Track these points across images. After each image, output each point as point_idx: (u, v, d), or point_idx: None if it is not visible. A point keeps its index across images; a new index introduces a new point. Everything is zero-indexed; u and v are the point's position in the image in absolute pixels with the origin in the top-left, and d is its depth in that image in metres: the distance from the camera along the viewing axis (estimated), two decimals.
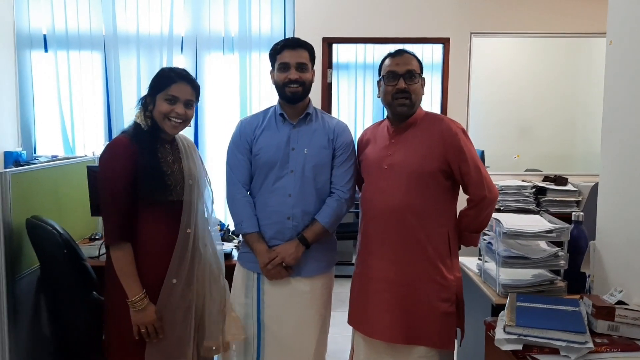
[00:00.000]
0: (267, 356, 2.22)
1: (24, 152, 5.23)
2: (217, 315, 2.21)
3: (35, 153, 5.43)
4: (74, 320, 2.36)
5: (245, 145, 2.23)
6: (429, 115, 2.21)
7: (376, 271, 2.13)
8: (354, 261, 2.33)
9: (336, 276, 2.43)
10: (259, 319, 2.22)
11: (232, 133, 2.31)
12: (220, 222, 3.61)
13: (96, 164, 3.15)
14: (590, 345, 1.59)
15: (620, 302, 1.77)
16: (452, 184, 2.15)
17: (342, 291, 2.70)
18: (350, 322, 2.25)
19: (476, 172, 2.08)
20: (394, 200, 2.09)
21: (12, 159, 5.07)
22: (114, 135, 5.31)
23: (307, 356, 2.24)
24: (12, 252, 2.44)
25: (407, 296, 2.07)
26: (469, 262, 2.61)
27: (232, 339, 2.26)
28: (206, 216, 2.22)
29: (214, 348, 2.20)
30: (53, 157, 5.15)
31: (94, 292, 2.29)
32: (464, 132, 2.15)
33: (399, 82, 2.10)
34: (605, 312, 1.72)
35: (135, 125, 2.09)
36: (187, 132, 2.28)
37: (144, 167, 2.01)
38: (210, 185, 2.28)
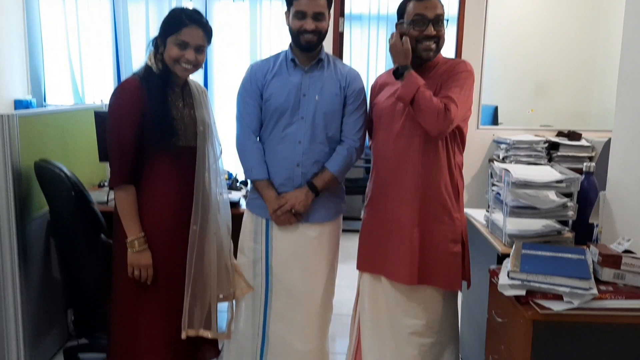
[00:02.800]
0: (274, 301, 2.24)
1: (34, 100, 5.23)
2: (227, 264, 2.23)
3: (45, 102, 5.43)
4: (83, 262, 2.40)
5: (256, 91, 2.19)
6: (448, 61, 2.16)
7: (389, 214, 2.13)
8: (362, 216, 2.32)
9: (344, 230, 2.43)
10: (267, 265, 2.24)
11: (242, 78, 2.27)
12: (227, 172, 3.61)
13: (104, 110, 3.14)
14: (594, 291, 1.59)
15: (627, 252, 1.76)
16: (458, 128, 2.12)
17: (349, 245, 2.71)
18: (359, 266, 2.25)
19: (458, 97, 2.01)
20: (407, 143, 2.07)
21: (22, 107, 5.08)
22: None
23: (315, 302, 2.27)
24: (21, 195, 2.47)
25: (419, 237, 2.07)
26: (476, 213, 2.59)
27: (240, 293, 2.29)
28: (215, 164, 2.22)
29: (220, 296, 2.23)
30: (18, 102, 5.14)
31: (103, 235, 2.31)
32: (470, 72, 2.09)
33: (428, 27, 2.05)
34: (612, 260, 1.71)
35: (146, 67, 2.05)
36: (196, 79, 2.25)
37: (152, 110, 2.00)
38: (218, 135, 2.26)
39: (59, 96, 5.34)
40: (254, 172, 2.22)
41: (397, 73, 2.03)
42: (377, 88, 2.27)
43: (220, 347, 2.36)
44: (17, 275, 2.45)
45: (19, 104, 5.09)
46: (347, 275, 2.67)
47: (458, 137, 2.14)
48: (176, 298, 2.09)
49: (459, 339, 2.29)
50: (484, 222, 2.46)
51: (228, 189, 2.78)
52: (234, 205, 2.84)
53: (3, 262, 2.43)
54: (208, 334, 2.13)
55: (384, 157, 2.18)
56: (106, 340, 2.69)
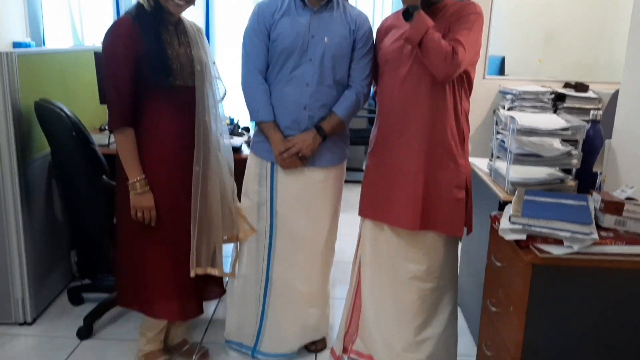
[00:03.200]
0: (278, 244, 2.26)
1: (33, 42, 5.14)
2: (230, 206, 2.23)
3: (44, 45, 5.34)
4: (85, 204, 2.40)
5: (263, 30, 2.13)
6: (457, 3, 2.09)
7: (393, 159, 2.11)
8: (363, 167, 2.31)
9: (345, 181, 2.42)
10: (271, 208, 2.24)
11: (249, 17, 2.21)
12: (229, 117, 3.58)
13: None
14: (595, 236, 1.59)
15: (629, 199, 1.75)
16: (466, 72, 2.08)
17: (350, 195, 2.71)
18: (361, 212, 2.25)
19: (466, 40, 1.96)
20: (414, 87, 2.04)
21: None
22: None
23: (318, 245, 2.29)
24: (22, 135, 2.46)
25: (423, 183, 2.06)
26: (479, 162, 2.58)
27: (243, 235, 2.31)
28: (215, 107, 2.18)
29: (225, 237, 2.25)
30: (17, 44, 5.05)
31: (105, 177, 2.31)
32: (479, 14, 2.03)
33: None
34: (614, 206, 1.70)
35: (138, 5, 2.00)
36: (197, 20, 2.19)
37: (146, 49, 1.95)
38: (221, 79, 2.22)
39: (58, 39, 5.25)
40: (260, 113, 2.19)
41: (407, 13, 1.97)
42: (383, 31, 2.21)
43: (224, 287, 2.40)
44: (19, 214, 2.47)
45: (17, 47, 5.00)
46: (348, 224, 2.69)
47: (465, 82, 2.10)
48: (181, 238, 2.10)
49: (457, 286, 2.31)
50: (487, 171, 2.45)
51: (230, 134, 2.76)
52: (236, 150, 2.82)
53: (5, 201, 2.44)
54: (215, 272, 2.15)
55: (389, 102, 2.14)
56: (109, 281, 2.76)
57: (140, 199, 2.02)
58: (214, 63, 2.20)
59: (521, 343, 1.66)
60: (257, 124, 2.26)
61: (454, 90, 2.08)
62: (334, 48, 2.12)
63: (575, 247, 1.58)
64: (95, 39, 5.15)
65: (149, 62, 1.95)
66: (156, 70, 1.96)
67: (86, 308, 2.68)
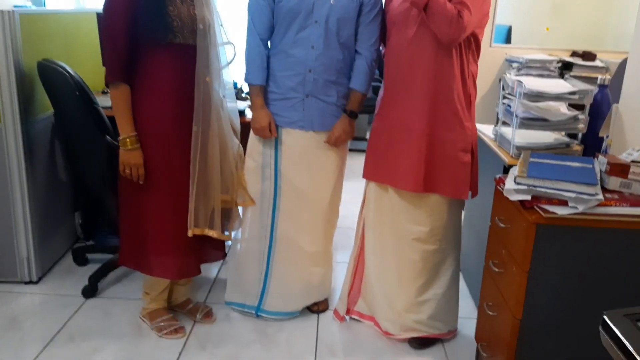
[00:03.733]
0: (283, 202, 2.27)
1: (34, 7, 5.07)
2: (232, 169, 2.23)
3: (44, 6, 5.27)
4: (88, 163, 2.40)
5: None
6: None
7: (399, 121, 2.11)
8: (367, 137, 2.32)
9: (349, 150, 2.42)
10: (276, 168, 2.25)
11: None
12: (233, 81, 3.55)
13: None
14: (600, 197, 1.59)
15: (635, 162, 1.74)
16: (473, 35, 2.05)
17: (353, 163, 2.71)
18: (366, 174, 2.26)
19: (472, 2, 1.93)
20: (420, 49, 2.02)
21: None
22: None
23: (322, 203, 2.30)
24: (25, 95, 2.44)
25: (428, 145, 2.06)
26: (484, 128, 2.57)
27: (242, 204, 2.31)
28: (219, 70, 2.16)
29: (227, 200, 2.25)
30: (16, 6, 4.99)
31: (108, 137, 2.30)
32: None
33: None
34: (620, 168, 1.70)
35: None
36: None
37: (145, 4, 1.93)
38: (232, 43, 2.19)
39: (59, 2, 5.17)
40: (249, 76, 2.21)
41: None
42: None
43: (226, 252, 2.42)
44: (23, 175, 2.47)
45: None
46: (351, 192, 2.69)
47: (473, 45, 2.07)
48: (179, 197, 2.10)
49: (460, 248, 2.33)
50: (492, 136, 2.44)
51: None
52: (240, 114, 2.80)
53: (9, 161, 2.44)
54: (212, 233, 2.16)
55: (396, 64, 2.13)
56: (112, 242, 2.77)
57: (129, 155, 2.01)
58: (221, 26, 2.17)
59: (522, 302, 1.68)
60: (248, 85, 2.25)
61: (461, 52, 2.06)
62: (340, 10, 2.10)
63: (580, 208, 1.59)
64: (96, 2, 5.07)
65: (148, 17, 1.93)
66: (154, 25, 1.94)
67: (90, 268, 2.70)
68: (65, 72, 2.25)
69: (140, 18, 1.92)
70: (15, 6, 5.00)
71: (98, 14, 2.93)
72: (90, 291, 2.52)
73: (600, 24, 5.05)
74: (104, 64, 2.97)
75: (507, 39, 5.30)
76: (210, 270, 2.80)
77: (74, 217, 2.99)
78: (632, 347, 0.79)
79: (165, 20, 1.95)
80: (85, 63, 3.02)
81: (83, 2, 5.17)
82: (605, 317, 0.93)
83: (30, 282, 2.61)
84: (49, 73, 2.35)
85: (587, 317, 1.66)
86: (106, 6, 1.93)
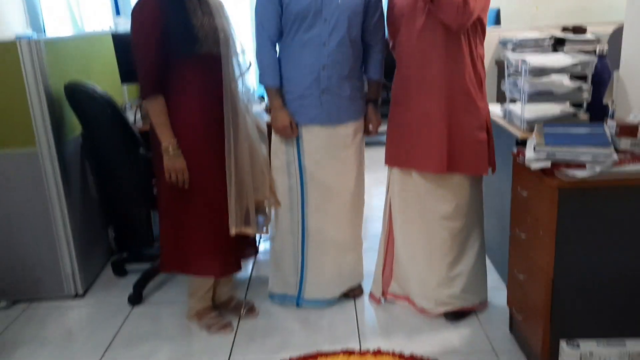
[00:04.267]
0: (310, 196, 2.40)
1: (35, 33, 5.18)
2: (262, 169, 2.36)
3: (44, 34, 5.39)
4: (123, 176, 2.52)
5: None
6: None
7: (417, 109, 2.23)
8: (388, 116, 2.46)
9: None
10: (299, 164, 2.37)
11: None
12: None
13: (122, 32, 3.18)
14: (615, 157, 1.73)
15: None
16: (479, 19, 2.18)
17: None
18: (388, 161, 2.39)
19: None
20: (430, 38, 2.15)
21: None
22: (121, 10, 5.23)
23: (347, 194, 2.43)
24: (55, 118, 2.56)
25: (447, 128, 2.19)
26: (493, 107, 2.69)
27: (270, 205, 2.44)
28: (241, 77, 2.28)
29: (260, 199, 2.38)
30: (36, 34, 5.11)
31: (142, 149, 2.43)
32: None
33: None
34: (629, 130, 1.84)
35: None
36: None
37: (172, 19, 2.06)
38: (245, 53, 2.31)
39: (58, 28, 5.29)
40: (265, 78, 2.33)
41: None
42: None
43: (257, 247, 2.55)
44: (62, 194, 2.60)
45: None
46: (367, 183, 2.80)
47: (479, 29, 2.20)
48: (216, 199, 2.23)
49: (483, 223, 2.46)
50: (500, 114, 2.57)
51: None
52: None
53: (47, 182, 2.56)
54: (249, 230, 2.29)
55: (407, 55, 2.25)
56: (147, 252, 2.90)
57: (173, 161, 2.14)
58: (236, 36, 2.30)
59: (552, 262, 1.81)
60: (265, 88, 2.38)
61: (469, 37, 2.19)
62: (348, 8, 2.22)
63: (598, 169, 1.72)
64: (94, 25, 5.18)
65: (176, 31, 2.06)
66: (183, 38, 2.07)
67: (130, 279, 2.84)
68: (95, 93, 2.37)
69: (168, 33, 2.04)
70: (17, 36, 5.13)
71: (114, 35, 3.05)
72: (136, 299, 2.65)
73: None
74: (122, 82, 3.14)
75: (497, 21, 5.45)
76: (245, 268, 2.92)
77: (107, 232, 3.11)
78: None
79: (192, 32, 2.07)
80: (105, 83, 3.13)
81: (81, 25, 5.30)
82: None
83: (77, 296, 2.73)
84: (78, 94, 2.47)
85: (617, 273, 1.80)
86: (137, 25, 2.06)
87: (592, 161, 1.73)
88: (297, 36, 2.25)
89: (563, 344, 1.83)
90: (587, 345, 1.82)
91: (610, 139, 1.84)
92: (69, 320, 2.56)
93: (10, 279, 2.64)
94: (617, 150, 1.83)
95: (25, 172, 2.54)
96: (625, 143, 1.84)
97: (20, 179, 2.54)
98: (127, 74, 3.04)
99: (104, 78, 3.13)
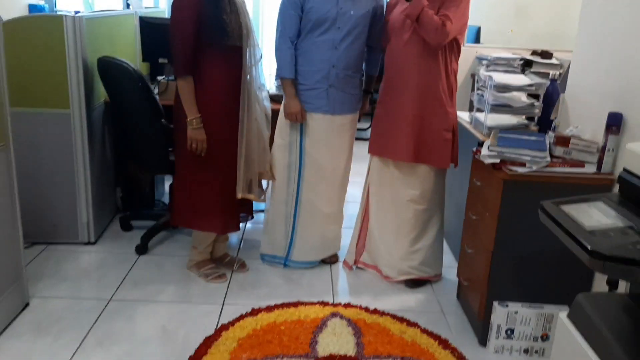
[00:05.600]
0: (306, 173, 2.84)
1: (47, 5, 5.47)
2: (265, 147, 2.79)
3: (55, 7, 5.67)
4: (147, 142, 2.91)
5: (298, 4, 2.65)
6: None
7: (396, 107, 2.69)
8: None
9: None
10: (301, 145, 2.81)
11: None
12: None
13: (150, 15, 3.56)
14: (548, 159, 2.21)
15: (574, 136, 2.37)
16: (455, 40, 2.64)
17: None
18: (371, 151, 2.85)
19: (454, 15, 2.51)
20: (413, 50, 2.60)
21: (37, 11, 5.33)
22: None
23: (337, 174, 2.89)
24: (87, 86, 2.94)
25: (420, 126, 2.66)
26: (461, 114, 3.17)
27: (266, 177, 2.87)
28: (255, 66, 2.70)
29: (261, 172, 2.82)
30: (76, 12, 5.42)
31: (163, 120, 2.82)
32: None
33: None
34: (563, 140, 2.32)
35: None
36: None
37: (208, 14, 2.47)
38: (259, 46, 2.72)
39: (68, 2, 5.58)
40: (283, 71, 2.75)
41: None
42: (392, 5, 2.76)
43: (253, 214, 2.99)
44: (87, 153, 2.98)
45: (33, 9, 5.34)
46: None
47: (455, 48, 2.67)
48: (226, 167, 2.65)
49: (444, 210, 2.94)
50: (468, 120, 3.05)
51: None
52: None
53: (76, 140, 2.94)
54: (252, 197, 2.73)
55: (394, 62, 2.71)
56: (149, 212, 3.32)
57: (196, 133, 2.55)
58: (253, 30, 2.72)
59: (493, 239, 2.28)
60: (280, 79, 2.80)
61: (445, 53, 2.65)
62: (358, 19, 2.67)
63: (534, 167, 2.20)
64: (103, 4, 5.50)
65: (210, 24, 2.47)
66: (215, 31, 2.48)
67: (134, 233, 3.24)
68: (129, 67, 2.76)
69: (204, 25, 2.45)
70: (30, 5, 5.43)
71: (141, 17, 3.43)
72: (142, 249, 3.05)
73: (558, 26, 5.76)
74: (144, 60, 3.52)
75: (477, 38, 5.96)
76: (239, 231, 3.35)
77: (115, 192, 3.50)
78: (556, 216, 1.34)
79: (223, 26, 2.48)
80: (127, 59, 3.52)
81: (92, 3, 5.61)
82: (542, 204, 1.50)
83: (89, 243, 3.12)
84: (112, 68, 2.85)
85: (542, 250, 2.28)
86: (177, 15, 2.45)
87: (531, 161, 2.22)
88: (312, 38, 2.68)
89: (495, 304, 2.32)
90: (514, 306, 2.31)
91: (547, 146, 2.33)
92: (83, 263, 2.95)
93: (31, 223, 2.99)
94: (552, 156, 2.31)
95: (57, 130, 2.91)
96: (559, 150, 2.33)
97: (53, 136, 2.91)
98: (149, 54, 3.42)
99: (126, 53, 3.51)
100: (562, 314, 1.43)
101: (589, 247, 1.10)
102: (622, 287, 1.64)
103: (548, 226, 1.39)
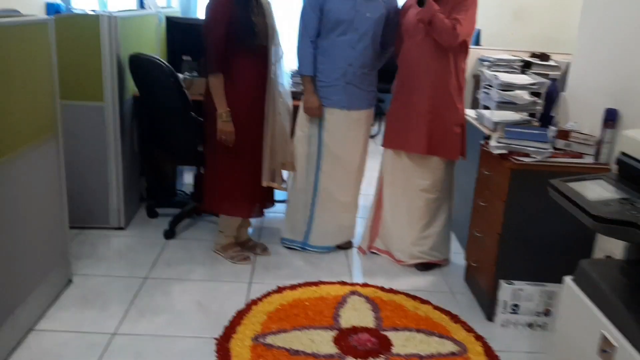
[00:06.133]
0: (324, 164, 3.06)
1: (63, 4, 5.66)
2: (286, 139, 3.01)
3: (70, 5, 5.85)
4: (176, 134, 3.13)
5: (317, 6, 2.87)
6: None
7: (410, 103, 2.92)
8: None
9: None
10: (319, 137, 3.03)
11: None
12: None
13: (177, 16, 3.77)
14: (551, 151, 2.45)
15: (573, 130, 2.61)
16: (464, 41, 2.87)
17: None
18: (385, 144, 3.07)
19: (463, 19, 2.74)
20: (425, 51, 2.84)
21: (53, 10, 5.50)
22: None
23: (353, 165, 3.11)
24: (120, 81, 3.15)
25: (433, 121, 2.88)
26: (468, 112, 3.40)
27: (288, 168, 3.09)
28: (278, 63, 2.92)
29: (283, 163, 3.04)
30: (92, 10, 5.60)
31: (193, 113, 3.04)
32: (474, 1, 2.82)
33: None
34: (564, 134, 2.56)
35: None
36: None
37: (238, 16, 2.69)
38: (280, 45, 2.93)
39: (84, 1, 5.76)
40: (304, 68, 2.97)
41: (420, 2, 2.76)
42: (406, 9, 2.99)
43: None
44: (119, 143, 3.20)
45: (50, 7, 5.52)
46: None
47: (464, 49, 2.91)
48: (253, 158, 2.87)
49: (453, 199, 3.17)
50: (474, 116, 3.29)
51: None
52: None
53: (107, 131, 3.15)
54: (275, 186, 2.95)
55: (407, 62, 2.94)
56: (174, 201, 3.54)
57: (225, 125, 2.77)
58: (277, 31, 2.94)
59: (501, 222, 2.51)
60: (301, 76, 3.03)
61: (455, 54, 2.88)
62: (374, 22, 2.90)
63: (538, 158, 2.44)
64: (118, 5, 5.67)
65: (241, 26, 2.69)
66: (246, 32, 2.70)
67: (160, 220, 3.46)
68: (162, 64, 2.97)
69: (235, 27, 2.67)
70: (47, 3, 5.62)
71: (168, 18, 3.65)
72: (170, 233, 3.26)
73: (555, 31, 6.02)
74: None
75: (477, 41, 6.21)
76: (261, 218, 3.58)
77: (140, 181, 3.71)
78: (564, 191, 1.56)
79: (252, 28, 2.71)
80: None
81: (106, 2, 5.79)
82: (550, 182, 1.72)
83: (119, 228, 3.32)
84: (144, 64, 3.06)
85: (545, 232, 2.51)
86: (211, 18, 2.67)
87: (535, 152, 2.45)
88: (332, 38, 2.90)
89: (502, 282, 2.55)
90: (519, 284, 2.54)
91: (550, 139, 2.57)
92: (117, 245, 3.16)
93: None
94: (554, 148, 2.55)
95: (92, 121, 3.12)
96: (560, 143, 2.57)
97: (88, 127, 3.12)
98: (172, 52, 3.63)
99: (150, 52, 3.71)
100: (567, 279, 1.65)
101: (592, 213, 1.33)
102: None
103: (556, 200, 1.61)
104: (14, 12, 3.26)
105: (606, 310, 1.44)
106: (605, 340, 1.41)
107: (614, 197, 1.41)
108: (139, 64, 3.11)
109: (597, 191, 1.46)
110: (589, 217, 1.33)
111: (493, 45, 5.58)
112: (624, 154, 1.48)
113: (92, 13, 3.18)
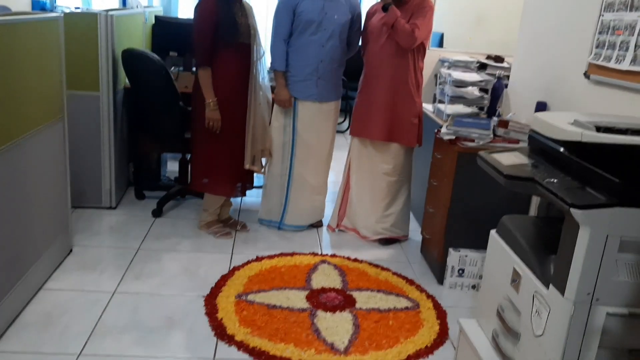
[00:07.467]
0: (297, 151, 3.44)
1: (48, 1, 5.90)
2: (265, 127, 3.38)
3: (55, 3, 6.10)
4: (165, 122, 3.47)
5: (290, 9, 3.25)
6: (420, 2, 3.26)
7: (373, 97, 3.33)
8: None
9: None
10: (293, 127, 3.41)
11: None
12: None
13: (164, 15, 4.10)
14: (491, 136, 2.89)
15: (512, 120, 3.05)
16: (422, 44, 3.29)
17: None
18: (352, 132, 3.48)
19: (422, 24, 3.17)
20: (387, 51, 3.25)
21: (39, 7, 5.75)
22: None
23: (324, 151, 3.50)
24: (113, 74, 3.48)
25: (393, 112, 3.30)
26: (427, 106, 3.84)
27: (266, 155, 3.46)
28: (259, 60, 3.29)
29: (262, 150, 3.41)
30: (76, 8, 5.87)
31: (181, 103, 3.38)
32: (431, 7, 3.25)
33: None
34: (504, 123, 3.00)
35: None
36: None
37: (223, 17, 3.05)
38: (261, 44, 3.30)
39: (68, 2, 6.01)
40: (277, 64, 3.35)
41: (384, 7, 3.18)
42: (371, 14, 3.40)
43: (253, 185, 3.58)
44: (112, 129, 3.53)
45: (35, 4, 5.77)
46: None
47: (422, 50, 3.33)
48: (236, 143, 3.24)
49: (411, 181, 3.59)
50: (431, 110, 3.72)
51: None
52: None
53: (102, 118, 3.48)
54: (255, 169, 3.33)
55: (372, 60, 3.35)
56: (158, 184, 3.87)
57: (213, 113, 3.13)
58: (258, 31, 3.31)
59: (449, 198, 2.94)
60: (273, 71, 3.40)
61: (414, 54, 3.30)
62: (341, 23, 3.29)
63: (481, 142, 2.87)
64: (101, 3, 5.94)
65: (225, 25, 3.05)
66: (230, 31, 3.07)
67: (147, 201, 3.79)
68: (153, 57, 3.31)
69: (221, 25, 3.03)
70: (33, 1, 5.82)
71: (156, 17, 3.98)
72: (158, 212, 3.60)
73: (511, 35, 6.52)
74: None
75: (440, 43, 6.69)
76: (238, 202, 3.93)
77: (128, 166, 4.03)
78: (487, 159, 2.00)
79: (236, 27, 3.07)
80: None
81: (90, 0, 6.06)
82: (478, 154, 2.13)
83: (110, 208, 3.65)
84: (137, 58, 3.40)
85: (486, 206, 2.94)
86: (199, 18, 3.03)
87: (478, 138, 2.89)
88: (303, 37, 3.28)
89: (451, 250, 2.97)
90: (465, 252, 2.97)
91: (491, 127, 3.00)
92: (110, 222, 3.49)
93: None
94: (495, 135, 2.99)
95: (88, 109, 3.44)
96: (500, 131, 3.01)
97: (84, 115, 3.44)
98: (160, 48, 3.97)
99: (139, 47, 4.04)
100: (492, 231, 2.07)
101: (504, 173, 1.74)
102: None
103: (482, 167, 2.01)
104: (4, 8, 3.57)
105: (516, 250, 1.86)
106: (515, 271, 1.83)
107: (523, 162, 1.83)
108: (132, 58, 3.45)
109: (511, 159, 1.87)
110: (502, 176, 1.75)
111: (456, 48, 6.06)
112: (533, 131, 1.91)
113: (92, 12, 3.47)
